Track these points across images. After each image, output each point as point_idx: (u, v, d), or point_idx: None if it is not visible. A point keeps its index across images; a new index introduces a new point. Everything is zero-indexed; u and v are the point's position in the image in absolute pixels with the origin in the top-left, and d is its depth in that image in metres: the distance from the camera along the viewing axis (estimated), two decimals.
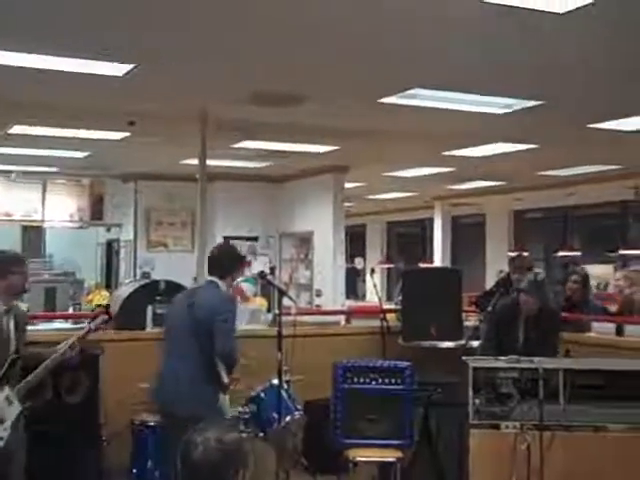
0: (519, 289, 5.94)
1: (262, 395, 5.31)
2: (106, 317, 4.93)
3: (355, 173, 12.48)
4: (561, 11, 4.69)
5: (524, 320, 5.84)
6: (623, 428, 5.13)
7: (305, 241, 13.13)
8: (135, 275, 13.20)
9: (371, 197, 17.35)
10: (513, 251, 16.20)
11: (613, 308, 8.31)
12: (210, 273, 5.05)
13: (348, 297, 16.26)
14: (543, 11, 4.68)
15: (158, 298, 6.77)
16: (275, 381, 5.25)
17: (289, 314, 5.58)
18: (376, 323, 7.17)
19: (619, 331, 6.99)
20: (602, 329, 7.16)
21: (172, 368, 4.89)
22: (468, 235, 19.18)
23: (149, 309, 6.80)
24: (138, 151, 10.65)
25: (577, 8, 4.63)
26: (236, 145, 10.08)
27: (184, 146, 9.59)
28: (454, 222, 18.63)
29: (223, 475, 2.50)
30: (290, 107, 7.62)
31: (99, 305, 11.01)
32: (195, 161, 8.84)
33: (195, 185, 8.74)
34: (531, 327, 5.83)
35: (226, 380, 4.84)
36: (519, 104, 7.40)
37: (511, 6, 4.58)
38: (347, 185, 12.77)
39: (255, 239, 13.66)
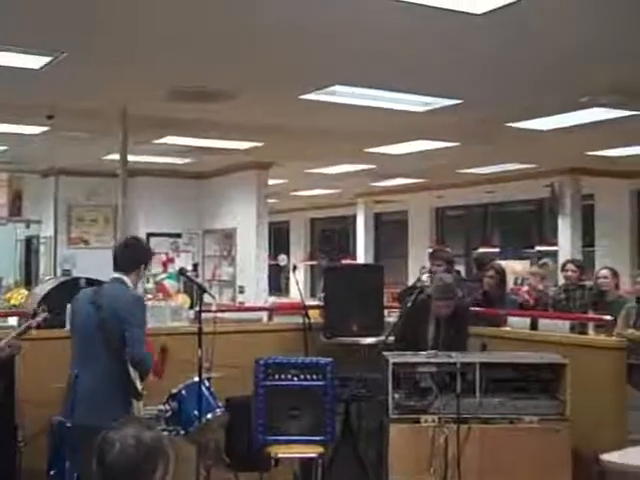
0: (429, 295, 6.03)
1: (183, 392, 5.25)
2: (47, 314, 4.79)
3: (278, 170, 12.50)
4: (478, 12, 4.79)
5: (435, 318, 5.95)
6: (537, 419, 5.29)
7: (228, 237, 13.09)
8: (55, 272, 12.96)
9: (295, 194, 17.40)
10: (434, 247, 16.48)
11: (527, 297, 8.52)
12: (115, 269, 4.78)
13: (272, 294, 16.28)
14: (461, 12, 4.78)
15: None
16: (196, 378, 5.22)
17: (210, 311, 5.56)
18: (299, 320, 7.18)
19: (533, 325, 7.18)
20: (518, 323, 7.34)
21: (80, 376, 4.60)
22: (391, 232, 19.42)
23: (69, 307, 6.69)
24: (58, 146, 10.47)
25: (493, 10, 4.75)
26: (158, 141, 10.00)
27: (105, 141, 9.46)
28: (377, 219, 18.83)
29: (141, 474, 2.47)
30: (211, 103, 7.60)
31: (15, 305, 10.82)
32: (117, 156, 8.73)
33: (117, 181, 8.63)
34: (442, 326, 5.94)
35: (140, 387, 4.63)
36: (438, 102, 7.53)
37: (429, 6, 4.67)
38: (270, 182, 12.78)
39: (178, 235, 13.56)
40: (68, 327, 5.11)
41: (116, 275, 4.77)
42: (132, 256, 4.85)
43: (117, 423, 2.55)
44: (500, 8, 4.70)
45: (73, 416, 4.61)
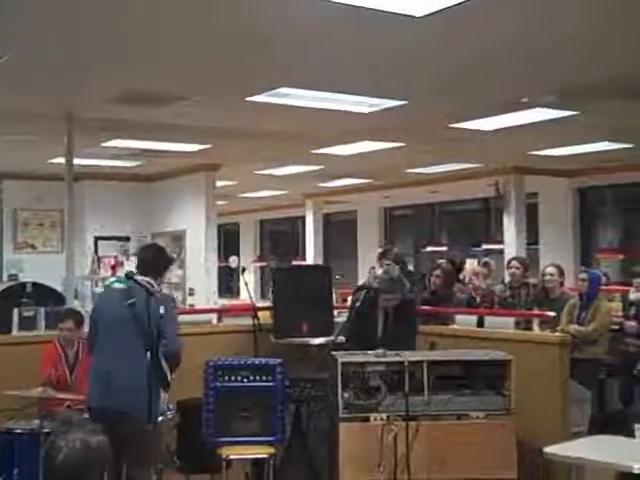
0: (375, 289, 6.11)
1: None
2: None
3: (227, 171, 12.50)
4: (418, 15, 4.88)
5: (384, 312, 6.03)
6: (483, 415, 5.39)
7: (177, 240, 13.04)
8: (2, 277, 12.79)
9: (244, 195, 17.39)
10: (382, 247, 16.61)
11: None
12: (144, 274, 5.05)
13: (223, 296, 16.26)
14: (401, 14, 4.86)
15: (24, 300, 6.62)
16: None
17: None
18: (249, 321, 7.21)
19: (480, 323, 7.30)
20: (465, 321, 7.46)
21: (114, 367, 4.85)
22: (340, 232, 19.53)
23: (15, 312, 6.64)
24: (2, 150, 10.33)
25: (432, 13, 4.84)
26: (105, 144, 9.93)
27: (51, 144, 9.37)
28: (326, 219, 18.91)
29: (88, 478, 2.50)
30: (160, 106, 7.59)
31: None
32: (63, 160, 8.66)
33: (63, 185, 8.56)
34: (390, 319, 6.03)
35: (170, 378, 4.91)
36: (384, 103, 7.62)
37: (369, 8, 4.74)
38: (219, 183, 12.77)
39: (127, 239, 13.46)
40: (88, 324, 5.34)
41: (140, 278, 5.03)
42: (157, 262, 5.24)
43: (63, 428, 2.57)
44: (439, 11, 4.79)
45: (106, 406, 4.77)
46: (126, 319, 4.85)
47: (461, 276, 8.97)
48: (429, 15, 4.88)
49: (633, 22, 5.20)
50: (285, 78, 6.71)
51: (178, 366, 5.00)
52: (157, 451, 5.25)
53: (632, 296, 8.15)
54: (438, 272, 8.60)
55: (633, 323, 7.74)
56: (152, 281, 5.03)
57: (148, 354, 4.72)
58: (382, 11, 4.79)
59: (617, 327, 7.89)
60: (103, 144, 9.89)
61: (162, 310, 4.81)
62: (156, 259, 5.29)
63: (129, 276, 5.09)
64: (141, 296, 4.87)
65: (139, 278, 5.02)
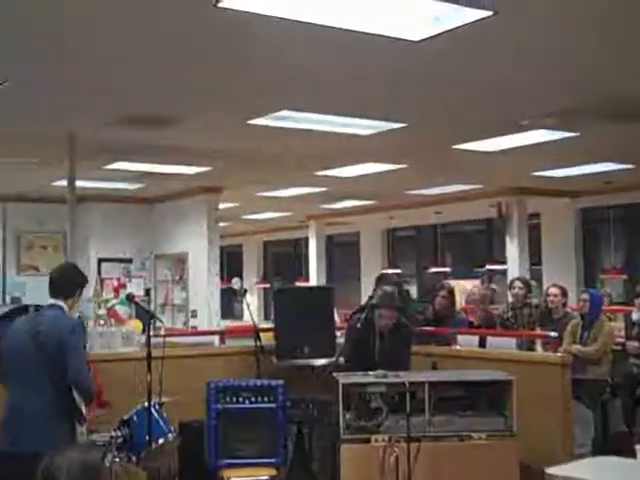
0: (372, 305, 6.15)
1: (134, 418, 5.26)
2: None
3: (229, 193, 12.54)
4: (416, 39, 4.92)
5: (380, 335, 6.05)
6: (485, 436, 5.39)
7: (180, 262, 13.07)
8: (5, 300, 12.80)
9: (246, 217, 17.43)
10: (386, 268, 16.64)
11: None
12: (52, 295, 4.75)
13: (226, 317, 16.24)
14: (399, 38, 4.91)
15: None
16: (147, 403, 5.22)
17: (160, 335, 5.57)
18: (251, 343, 7.21)
19: (482, 343, 7.30)
20: (467, 342, 7.46)
21: (21, 404, 4.52)
22: (343, 253, 19.54)
23: None
24: (5, 172, 10.37)
25: (430, 37, 4.88)
26: (108, 166, 9.98)
27: (54, 167, 9.42)
28: (329, 241, 18.93)
29: None
30: (161, 129, 7.64)
31: None
32: (66, 182, 8.70)
33: (66, 207, 8.60)
34: (386, 342, 6.05)
35: (84, 411, 4.61)
36: (384, 126, 7.65)
37: (369, 33, 4.79)
38: (222, 205, 12.81)
39: (130, 261, 13.49)
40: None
41: (52, 301, 4.74)
42: (68, 281, 4.84)
43: (60, 449, 2.58)
44: (437, 35, 4.84)
45: (18, 444, 4.44)
46: (30, 350, 4.52)
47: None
48: (427, 39, 4.92)
49: (630, 45, 5.24)
50: (286, 101, 6.75)
51: (92, 399, 4.68)
52: None
53: (635, 316, 8.13)
54: (444, 292, 8.61)
55: (636, 343, 7.72)
56: (62, 304, 4.71)
57: (55, 387, 4.45)
58: (381, 35, 4.83)
59: (620, 348, 7.87)
60: (105, 166, 9.94)
61: (64, 338, 4.51)
62: (67, 279, 4.86)
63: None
64: (46, 323, 4.60)
65: (51, 301, 4.73)
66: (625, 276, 13.38)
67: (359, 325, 6.13)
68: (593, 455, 5.93)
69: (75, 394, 4.53)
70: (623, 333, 8.21)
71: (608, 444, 6.96)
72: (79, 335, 4.69)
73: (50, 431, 4.40)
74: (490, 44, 5.17)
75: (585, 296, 7.76)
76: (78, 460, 2.50)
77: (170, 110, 7.06)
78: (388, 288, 6.31)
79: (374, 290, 8.26)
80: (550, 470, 4.71)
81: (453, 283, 10.52)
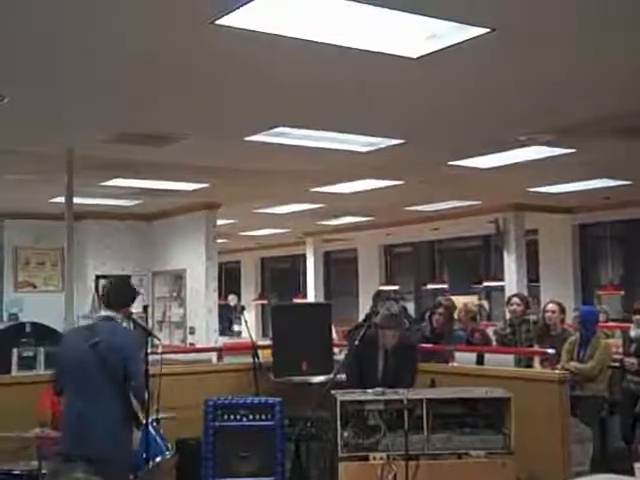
0: (375, 324, 6.11)
1: None
2: None
3: (227, 210, 12.54)
4: (414, 56, 4.94)
5: (383, 352, 6.00)
6: (483, 454, 5.36)
7: (178, 279, 13.05)
8: (2, 316, 12.78)
9: (244, 234, 17.43)
10: (384, 284, 16.63)
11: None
12: (106, 308, 4.95)
13: (223, 334, 16.21)
14: (398, 55, 4.92)
15: (24, 340, 6.62)
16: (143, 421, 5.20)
17: (157, 353, 5.55)
18: (249, 360, 7.20)
19: (479, 360, 7.29)
20: (465, 358, 7.46)
21: (86, 412, 4.71)
22: (341, 270, 19.54)
23: (14, 352, 6.64)
24: (4, 189, 10.38)
25: (428, 54, 4.90)
26: (106, 183, 9.99)
27: (52, 184, 9.43)
28: (326, 257, 18.93)
29: None
30: (158, 146, 7.65)
31: None
32: (63, 199, 8.70)
33: (64, 224, 8.59)
34: (390, 360, 6.00)
35: (142, 417, 4.81)
36: (381, 142, 7.66)
37: (367, 50, 4.80)
38: (219, 222, 12.80)
39: (128, 277, 13.46)
40: (57, 370, 5.15)
41: (106, 313, 4.93)
42: (122, 294, 5.07)
43: (63, 468, 2.57)
44: (435, 52, 4.85)
45: (83, 447, 4.60)
46: (90, 360, 4.70)
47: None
48: (425, 56, 4.94)
49: (628, 61, 5.25)
50: (283, 117, 6.76)
51: (145, 405, 4.84)
52: None
53: (632, 333, 8.11)
54: (441, 310, 8.62)
55: (633, 360, 7.70)
56: (116, 315, 4.90)
57: (117, 395, 4.66)
58: (379, 52, 4.85)
59: (617, 364, 7.85)
60: (103, 183, 9.95)
61: (126, 348, 4.74)
62: (120, 292, 5.12)
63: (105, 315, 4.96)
64: (105, 334, 4.77)
65: (104, 314, 4.92)
66: (622, 292, 13.38)
67: (357, 342, 6.10)
68: (591, 473, 5.90)
69: (133, 400, 4.71)
70: (621, 350, 8.19)
71: (606, 461, 6.94)
72: (139, 345, 4.94)
73: (113, 436, 4.65)
74: (489, 60, 5.18)
75: (577, 313, 7.77)
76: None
77: (167, 127, 7.07)
78: (392, 308, 6.26)
79: (372, 307, 8.27)
80: None
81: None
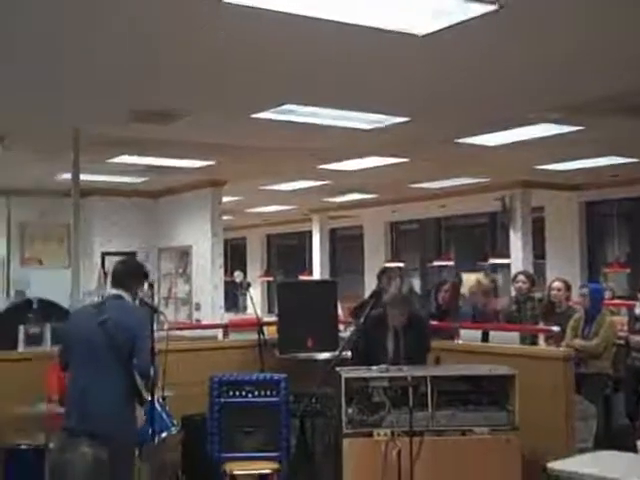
0: (384, 302, 6.08)
1: None
2: None
3: (233, 187, 12.54)
4: (420, 34, 4.91)
5: (393, 331, 5.97)
6: (487, 431, 5.39)
7: (184, 255, 13.08)
8: (9, 293, 12.83)
9: (250, 210, 17.43)
10: (390, 261, 16.64)
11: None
12: (115, 286, 4.96)
13: (229, 310, 16.27)
14: (404, 33, 4.90)
15: (30, 316, 6.64)
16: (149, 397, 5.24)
17: (163, 329, 5.58)
18: (255, 336, 7.23)
19: (484, 337, 7.30)
20: (470, 335, 7.47)
21: (91, 387, 4.71)
22: (347, 247, 19.55)
23: (21, 328, 6.67)
24: (10, 166, 10.38)
25: (437, 31, 4.87)
26: (112, 160, 9.99)
27: (58, 161, 9.44)
28: (332, 234, 18.93)
29: None
30: (165, 123, 7.63)
31: None
32: (70, 176, 8.70)
33: (71, 200, 8.61)
34: (400, 337, 5.97)
35: (146, 394, 4.82)
36: (388, 120, 7.64)
37: (373, 28, 4.78)
38: (225, 199, 12.81)
39: (133, 254, 13.50)
40: (59, 343, 5.22)
41: (115, 292, 4.94)
42: (130, 273, 5.08)
43: (69, 442, 2.59)
44: (442, 29, 4.82)
45: (87, 423, 4.57)
46: (98, 337, 4.73)
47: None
48: (432, 33, 4.91)
49: (636, 39, 5.22)
50: (290, 95, 6.74)
51: (151, 384, 4.84)
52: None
53: (638, 310, 8.13)
54: (447, 287, 8.64)
55: (638, 337, 7.72)
56: (125, 294, 4.92)
57: (122, 372, 4.68)
58: (385, 30, 4.82)
59: (622, 342, 7.86)
60: (109, 160, 9.95)
61: (134, 326, 4.75)
62: (129, 271, 5.13)
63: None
64: (113, 312, 4.80)
65: (113, 292, 4.94)
66: (629, 270, 13.37)
67: (362, 320, 6.10)
68: (595, 450, 5.92)
69: (137, 377, 4.73)
70: (626, 327, 8.21)
71: (610, 438, 6.97)
72: (147, 323, 4.90)
73: (117, 412, 4.66)
74: (496, 38, 5.15)
75: (584, 291, 7.76)
76: (89, 455, 2.52)
77: (174, 105, 7.06)
78: (402, 288, 6.22)
79: (378, 285, 8.29)
80: (552, 464, 4.73)
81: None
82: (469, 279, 13.40)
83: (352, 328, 7.51)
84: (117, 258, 13.01)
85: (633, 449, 4.62)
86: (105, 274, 12.46)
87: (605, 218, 14.53)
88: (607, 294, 9.48)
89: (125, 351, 4.70)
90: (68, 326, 5.21)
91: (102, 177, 11.34)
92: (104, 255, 13.10)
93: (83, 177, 8.70)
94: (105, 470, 4.16)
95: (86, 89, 6.44)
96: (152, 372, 4.76)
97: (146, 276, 5.23)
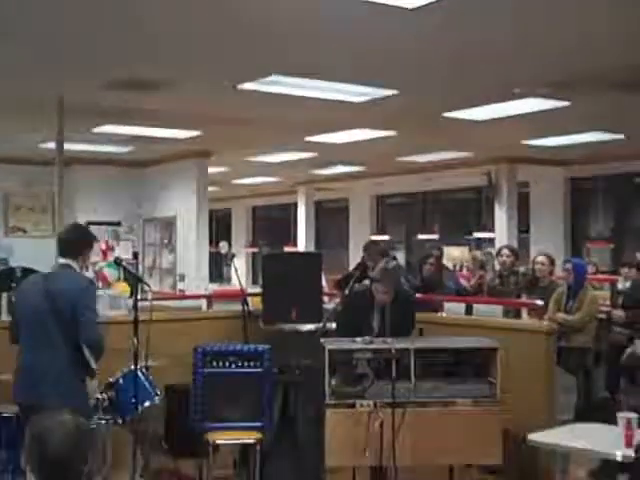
0: (371, 278, 6.08)
1: (120, 381, 5.29)
2: None
3: (219, 158, 12.50)
4: (410, 7, 4.88)
5: (379, 307, 5.98)
6: (469, 402, 5.42)
7: (169, 226, 13.05)
8: None
9: (236, 182, 17.38)
10: (375, 234, 16.67)
11: (466, 284, 8.72)
12: (62, 255, 4.86)
13: (214, 281, 16.27)
14: (393, 6, 4.87)
15: (14, 285, 6.60)
16: (133, 367, 5.24)
17: (147, 299, 5.57)
18: (239, 307, 7.23)
19: (468, 310, 7.34)
20: (454, 309, 7.50)
21: (36, 360, 4.67)
22: (332, 219, 19.55)
23: (4, 297, 6.64)
24: None
25: (426, 4, 4.84)
26: (96, 129, 9.92)
27: (42, 130, 9.36)
28: (318, 206, 18.92)
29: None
30: (150, 93, 7.58)
31: None
32: (54, 144, 8.64)
33: (55, 169, 8.55)
34: (386, 313, 5.97)
35: (94, 366, 4.76)
36: (376, 92, 7.61)
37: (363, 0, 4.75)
38: (211, 170, 12.76)
39: (118, 224, 13.46)
40: (8, 315, 5.19)
41: (63, 261, 4.84)
42: (77, 241, 4.95)
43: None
44: (431, 3, 4.80)
45: (35, 397, 4.57)
46: (43, 308, 4.65)
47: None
48: (421, 7, 4.88)
49: (624, 14, 5.21)
50: (276, 66, 6.70)
51: (101, 354, 4.75)
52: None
53: (620, 285, 8.20)
54: (432, 260, 8.67)
55: (621, 312, 7.78)
56: (72, 263, 4.82)
57: (69, 343, 4.61)
58: (375, 2, 4.79)
59: (605, 316, 7.92)
60: (94, 129, 9.88)
61: (78, 296, 4.66)
62: (75, 239, 4.99)
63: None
64: (58, 282, 4.72)
65: (62, 261, 4.84)
66: (612, 245, 13.45)
67: (347, 292, 6.10)
68: (575, 422, 5.99)
69: (85, 349, 4.66)
70: (608, 302, 8.27)
71: (591, 411, 7.04)
72: (92, 293, 4.81)
73: (65, 385, 4.58)
74: (484, 12, 5.13)
75: (568, 266, 7.80)
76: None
77: (159, 74, 7.00)
78: (389, 263, 6.21)
79: (363, 257, 8.30)
80: (532, 436, 4.78)
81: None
82: (452, 253, 13.49)
83: (337, 300, 7.54)
84: (102, 227, 13.11)
85: (613, 422, 4.66)
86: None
87: (590, 194, 14.58)
88: (590, 269, 9.54)
89: (69, 321, 4.61)
90: (17, 298, 5.12)
91: (87, 146, 11.27)
92: (89, 224, 13.01)
93: (68, 146, 8.65)
94: (89, 438, 4.13)
95: (68, 56, 6.38)
96: (101, 343, 4.68)
97: (92, 242, 5.08)
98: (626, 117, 9.10)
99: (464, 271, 13.04)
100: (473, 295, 8.55)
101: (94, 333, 4.67)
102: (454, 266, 13.71)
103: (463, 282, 9.43)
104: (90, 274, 12.00)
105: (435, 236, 16.00)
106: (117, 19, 5.34)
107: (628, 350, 7.55)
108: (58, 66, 6.70)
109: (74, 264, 4.84)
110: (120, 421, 5.23)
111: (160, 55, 6.33)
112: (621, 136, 10.62)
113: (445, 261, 9.84)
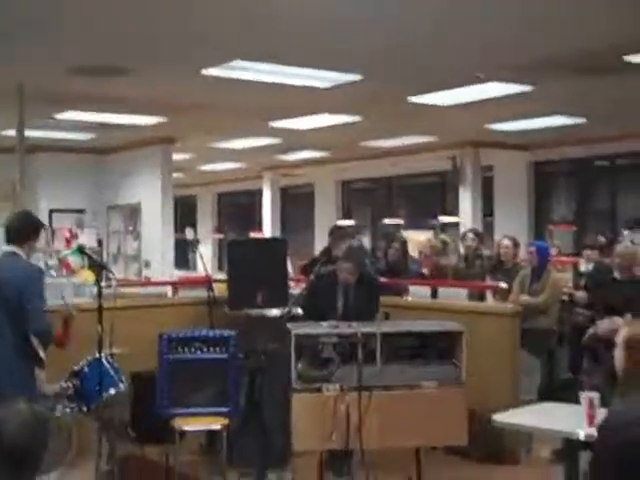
0: (336, 257, 6.11)
1: (85, 369, 5.25)
2: None
3: (184, 144, 12.43)
4: None
5: (343, 289, 6.00)
6: (435, 385, 5.46)
7: (133, 213, 12.96)
8: None
9: (201, 168, 17.29)
10: (341, 219, 16.69)
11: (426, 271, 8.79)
12: (8, 242, 4.80)
13: (180, 268, 16.19)
14: None
15: None
16: (98, 354, 5.21)
17: (112, 286, 5.53)
18: (205, 294, 7.21)
19: (433, 294, 7.38)
20: (419, 292, 7.54)
21: None
22: (298, 205, 19.53)
23: None
24: None
25: None
26: (58, 116, 9.80)
27: (2, 116, 9.23)
28: (283, 192, 18.89)
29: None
30: (113, 79, 7.51)
31: None
32: (15, 132, 8.53)
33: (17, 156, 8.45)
34: (350, 295, 6.01)
35: (43, 356, 4.70)
36: (340, 77, 7.61)
37: None
38: (176, 156, 12.69)
39: (82, 211, 13.35)
40: None
41: (8, 249, 4.78)
42: (23, 228, 4.90)
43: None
44: None
45: None
46: None
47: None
48: None
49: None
50: (240, 51, 6.66)
51: (49, 344, 4.72)
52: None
53: (583, 267, 8.28)
54: (397, 245, 8.69)
55: (583, 294, 7.85)
56: (19, 250, 4.77)
57: (16, 332, 4.55)
58: None
59: (567, 298, 8.00)
60: (56, 116, 9.77)
61: (23, 283, 4.60)
62: (22, 225, 4.93)
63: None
64: (4, 270, 4.66)
65: (7, 249, 4.78)
66: (575, 228, 13.59)
67: (312, 276, 6.11)
68: (539, 401, 6.05)
69: (32, 338, 4.59)
70: (571, 283, 8.35)
71: (554, 391, 7.12)
72: (39, 280, 4.75)
73: (12, 375, 4.50)
74: None
75: (532, 249, 7.86)
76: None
77: (122, 60, 6.94)
78: (354, 242, 6.24)
79: (329, 242, 8.30)
80: (497, 417, 4.82)
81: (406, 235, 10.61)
82: (416, 237, 13.52)
83: (303, 285, 7.54)
84: (66, 215, 12.98)
85: (576, 401, 4.72)
86: (53, 232, 12.30)
87: (553, 177, 14.71)
88: (553, 251, 9.63)
89: (17, 309, 4.55)
90: None
91: (49, 133, 11.14)
92: (52, 212, 12.91)
93: (29, 133, 8.54)
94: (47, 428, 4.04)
95: (29, 41, 6.29)
96: (48, 331, 4.63)
97: (39, 228, 5.03)
98: (587, 101, 9.19)
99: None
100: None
101: (42, 322, 4.61)
102: (420, 251, 13.76)
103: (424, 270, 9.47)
104: (54, 262, 11.96)
105: (400, 220, 16.05)
106: (78, 5, 5.27)
107: (590, 331, 7.64)
108: (18, 51, 6.60)
109: (20, 251, 4.78)
110: (85, 409, 5.20)
111: (123, 40, 6.27)
112: (583, 120, 10.72)
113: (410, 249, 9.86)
